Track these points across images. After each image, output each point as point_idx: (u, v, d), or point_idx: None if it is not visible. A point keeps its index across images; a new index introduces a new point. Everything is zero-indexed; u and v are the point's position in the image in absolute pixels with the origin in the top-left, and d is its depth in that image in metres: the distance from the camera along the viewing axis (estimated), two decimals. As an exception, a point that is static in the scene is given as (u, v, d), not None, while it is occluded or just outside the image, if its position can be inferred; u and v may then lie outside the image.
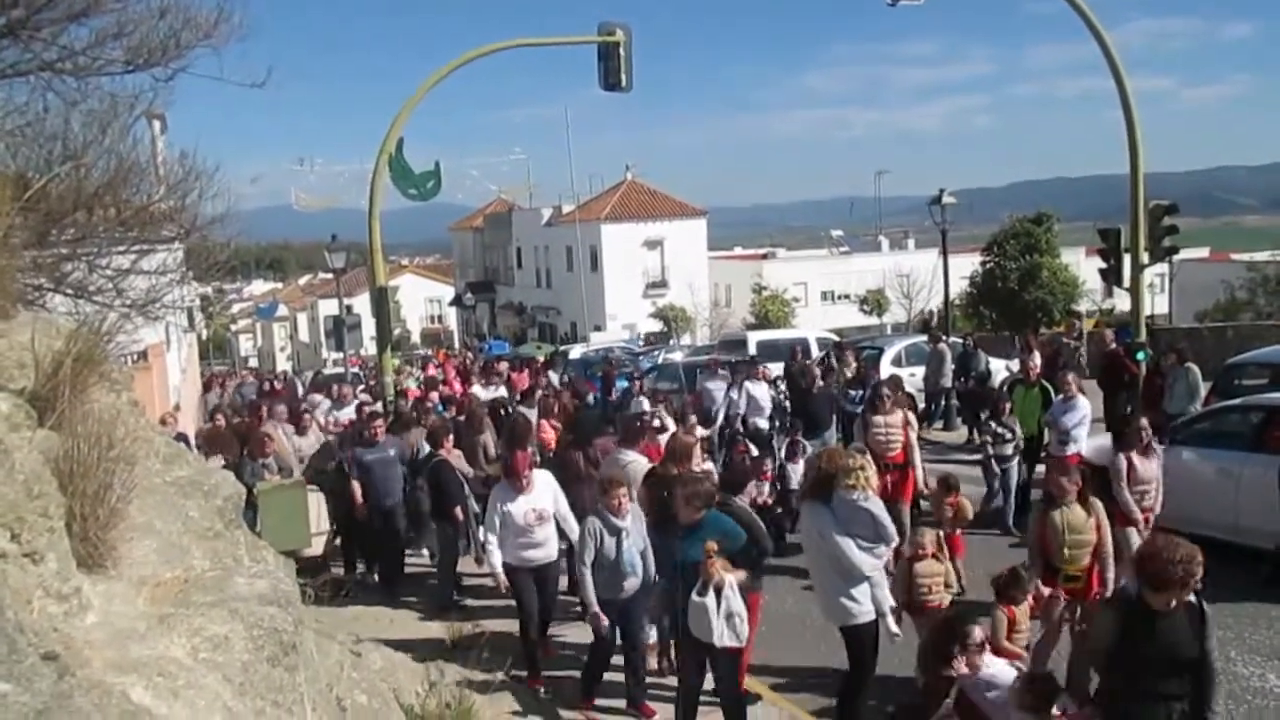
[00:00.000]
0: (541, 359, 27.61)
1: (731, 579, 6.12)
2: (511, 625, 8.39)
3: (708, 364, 17.83)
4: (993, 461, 12.01)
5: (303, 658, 3.38)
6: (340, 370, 23.35)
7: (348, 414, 14.70)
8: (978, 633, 5.13)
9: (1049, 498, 7.30)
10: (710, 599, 6.06)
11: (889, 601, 6.51)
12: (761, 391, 15.30)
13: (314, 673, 3.85)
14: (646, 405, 14.57)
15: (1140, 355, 15.07)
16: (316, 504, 11.07)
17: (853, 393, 15.00)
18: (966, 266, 35.04)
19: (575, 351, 33.71)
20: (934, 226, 24.01)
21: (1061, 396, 11.69)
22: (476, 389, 17.30)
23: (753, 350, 22.31)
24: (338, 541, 11.42)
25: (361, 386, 21.72)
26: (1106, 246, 16.51)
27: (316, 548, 10.98)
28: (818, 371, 15.66)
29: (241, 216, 7.66)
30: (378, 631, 8.65)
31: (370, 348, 22.85)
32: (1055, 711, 4.93)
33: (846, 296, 54.27)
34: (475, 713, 6.36)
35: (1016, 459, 12.08)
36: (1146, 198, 15.77)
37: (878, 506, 6.31)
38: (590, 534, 7.01)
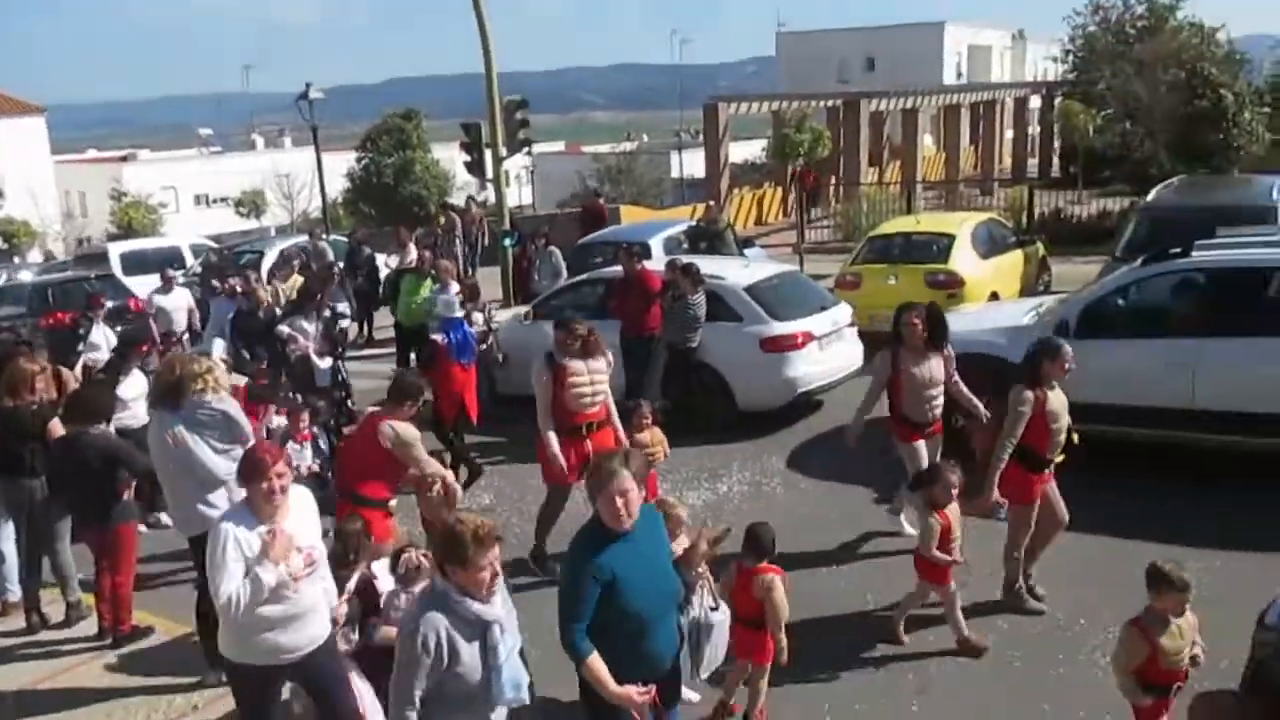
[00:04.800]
0: None
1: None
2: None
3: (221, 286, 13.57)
4: None
5: None
6: None
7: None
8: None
9: (1036, 377, 6.00)
10: (725, 611, 4.87)
11: None
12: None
13: None
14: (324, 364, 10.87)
15: (506, 242, 16.33)
16: None
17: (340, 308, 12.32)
18: (346, 164, 35.08)
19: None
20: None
21: (439, 285, 12.36)
22: None
23: (116, 264, 20.17)
24: None
25: None
26: (469, 140, 17.46)
27: None
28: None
29: None
30: None
31: None
32: None
33: (223, 200, 51.25)
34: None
35: None
36: (502, 95, 16.85)
37: (232, 406, 5.93)
38: (431, 639, 3.58)
